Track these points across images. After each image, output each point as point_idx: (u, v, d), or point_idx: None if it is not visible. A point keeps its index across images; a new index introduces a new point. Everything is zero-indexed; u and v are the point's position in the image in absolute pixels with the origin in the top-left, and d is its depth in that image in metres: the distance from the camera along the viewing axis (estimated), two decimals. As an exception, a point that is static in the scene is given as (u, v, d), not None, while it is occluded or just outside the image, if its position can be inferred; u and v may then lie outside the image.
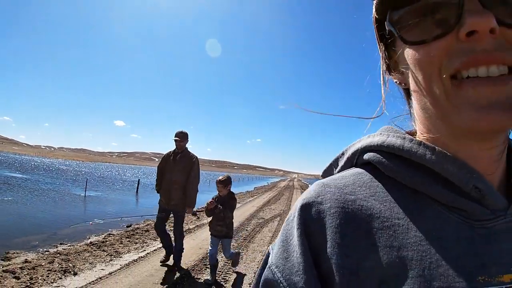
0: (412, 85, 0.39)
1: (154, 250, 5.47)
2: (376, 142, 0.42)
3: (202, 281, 4.21)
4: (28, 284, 3.78)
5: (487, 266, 0.33)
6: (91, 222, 7.84)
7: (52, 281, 3.94)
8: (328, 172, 0.51)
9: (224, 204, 4.10)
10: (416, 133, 0.43)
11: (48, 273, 4.14)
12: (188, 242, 6.10)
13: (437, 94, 0.34)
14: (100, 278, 4.10)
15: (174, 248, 4.55)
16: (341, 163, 0.48)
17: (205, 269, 4.65)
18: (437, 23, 0.33)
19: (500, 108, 0.31)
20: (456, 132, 0.36)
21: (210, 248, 4.16)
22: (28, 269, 4.26)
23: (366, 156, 0.43)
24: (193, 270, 4.67)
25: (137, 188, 19.65)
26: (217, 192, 4.25)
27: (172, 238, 4.64)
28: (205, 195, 4.17)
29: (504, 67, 0.31)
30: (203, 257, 5.20)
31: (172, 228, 4.61)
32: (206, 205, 4.07)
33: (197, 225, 7.98)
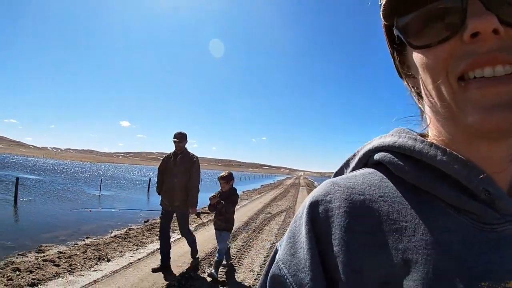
0: (423, 88, 0.39)
1: (174, 240, 5.99)
2: (388, 142, 0.42)
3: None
4: (69, 269, 4.33)
5: (492, 271, 0.32)
6: (90, 209, 8.34)
7: (90, 266, 4.52)
8: (339, 174, 0.51)
9: (226, 199, 4.22)
10: (428, 135, 0.43)
11: (85, 261, 4.72)
12: (203, 234, 6.70)
13: (445, 96, 0.34)
14: (131, 263, 4.69)
15: (187, 242, 4.79)
16: (352, 164, 0.48)
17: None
18: (443, 27, 0.34)
19: (506, 108, 0.30)
20: (465, 133, 0.35)
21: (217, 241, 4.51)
22: (65, 258, 4.82)
23: (377, 156, 0.43)
24: (210, 256, 5.25)
25: (149, 187, 20.36)
26: (220, 188, 4.42)
27: (172, 240, 4.73)
28: (210, 194, 4.52)
29: (511, 66, 0.31)
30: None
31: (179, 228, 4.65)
32: (209, 200, 4.20)
33: (210, 219, 8.50)
